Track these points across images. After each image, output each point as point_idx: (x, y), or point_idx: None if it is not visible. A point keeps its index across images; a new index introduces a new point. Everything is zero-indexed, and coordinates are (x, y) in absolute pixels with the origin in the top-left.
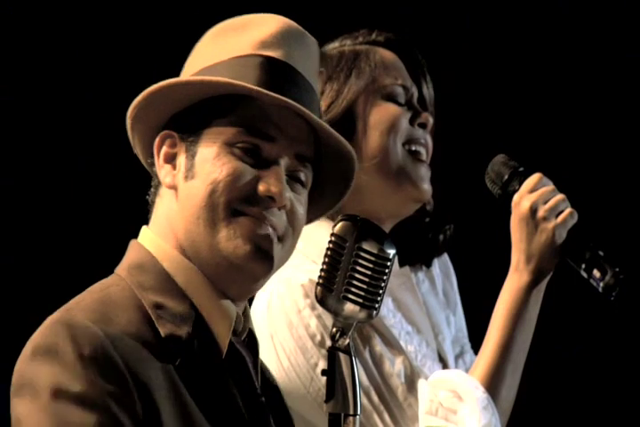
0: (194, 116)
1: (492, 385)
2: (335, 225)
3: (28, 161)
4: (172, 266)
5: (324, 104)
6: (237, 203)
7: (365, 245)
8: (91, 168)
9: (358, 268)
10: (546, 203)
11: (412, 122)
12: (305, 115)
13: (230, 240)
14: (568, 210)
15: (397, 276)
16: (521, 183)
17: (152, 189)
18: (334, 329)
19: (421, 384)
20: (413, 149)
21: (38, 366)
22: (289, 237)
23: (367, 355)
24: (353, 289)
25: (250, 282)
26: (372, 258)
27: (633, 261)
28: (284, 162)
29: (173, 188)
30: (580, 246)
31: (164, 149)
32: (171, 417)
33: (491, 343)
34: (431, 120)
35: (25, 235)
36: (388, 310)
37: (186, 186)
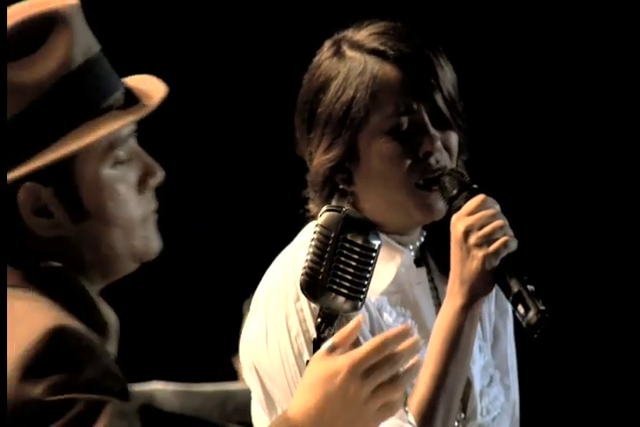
0: None
1: (426, 419)
2: (320, 216)
3: None
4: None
5: (324, 142)
6: None
7: (350, 236)
8: None
9: (343, 259)
10: (482, 228)
11: (416, 153)
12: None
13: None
14: (503, 238)
15: (414, 275)
16: (466, 202)
17: None
18: (319, 320)
19: None
20: (421, 182)
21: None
22: None
23: None
24: (338, 280)
25: None
26: (357, 249)
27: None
28: None
29: None
30: (508, 279)
31: None
32: None
33: (426, 374)
34: (437, 144)
35: None
36: (392, 307)
37: None
